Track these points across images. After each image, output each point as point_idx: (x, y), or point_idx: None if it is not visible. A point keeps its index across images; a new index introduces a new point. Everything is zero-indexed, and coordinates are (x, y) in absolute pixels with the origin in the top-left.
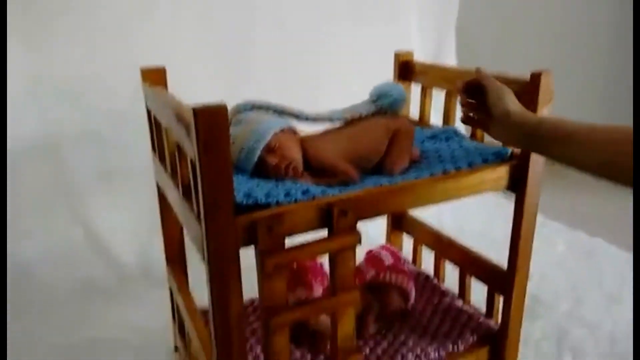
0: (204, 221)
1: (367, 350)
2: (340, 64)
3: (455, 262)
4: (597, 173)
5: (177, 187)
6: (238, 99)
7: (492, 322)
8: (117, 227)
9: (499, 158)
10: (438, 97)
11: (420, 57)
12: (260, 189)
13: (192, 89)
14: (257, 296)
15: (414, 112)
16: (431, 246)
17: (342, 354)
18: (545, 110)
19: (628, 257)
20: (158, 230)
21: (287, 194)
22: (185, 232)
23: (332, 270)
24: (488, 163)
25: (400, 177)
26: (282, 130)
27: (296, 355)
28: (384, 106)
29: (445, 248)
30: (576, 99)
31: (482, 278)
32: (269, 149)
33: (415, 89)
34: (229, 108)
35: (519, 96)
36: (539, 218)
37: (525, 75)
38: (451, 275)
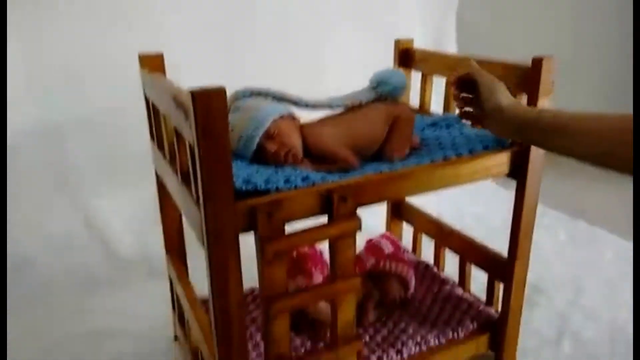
0: (203, 206)
1: (367, 338)
2: (340, 51)
3: (455, 250)
4: (596, 163)
5: (176, 173)
6: (237, 85)
7: (492, 310)
8: (117, 217)
9: (499, 145)
10: (438, 85)
11: (421, 44)
12: (259, 175)
13: (190, 76)
14: (257, 285)
15: (414, 100)
16: (431, 234)
17: (342, 341)
18: (547, 99)
19: (628, 246)
20: (157, 220)
21: (287, 181)
22: (184, 220)
23: (332, 257)
24: (489, 150)
25: (400, 163)
26: (282, 117)
27: (296, 343)
28: (384, 93)
29: (446, 236)
30: (578, 86)
31: (482, 266)
32: (268, 135)
33: (415, 77)
34: (228, 94)
35: (521, 83)
36: (539, 207)
37: (527, 61)
38: (451, 264)
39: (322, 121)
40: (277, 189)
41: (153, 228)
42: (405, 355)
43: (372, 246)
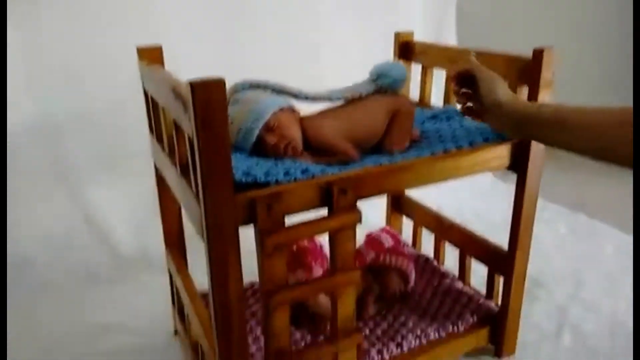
0: (202, 199)
1: (367, 331)
2: (340, 44)
3: (455, 243)
4: (596, 157)
5: (176, 166)
6: (236, 78)
7: (492, 303)
8: (116, 212)
9: (500, 137)
10: (438, 78)
11: (421, 37)
12: (259, 168)
13: (189, 69)
14: (257, 280)
15: (414, 92)
16: (431, 228)
17: (342, 334)
18: (548, 90)
19: (628, 240)
20: (157, 214)
21: (287, 173)
22: (184, 214)
23: (332, 249)
24: (489, 142)
25: (400, 156)
26: (282, 109)
27: (296, 337)
28: (384, 85)
29: (446, 230)
30: (579, 78)
31: (482, 259)
32: (268, 128)
33: (415, 70)
34: (227, 87)
35: (521, 75)
36: (539, 201)
37: (527, 53)
38: (451, 258)
39: (322, 114)
40: (277, 182)
41: (152, 223)
42: (405, 348)
43: (372, 240)
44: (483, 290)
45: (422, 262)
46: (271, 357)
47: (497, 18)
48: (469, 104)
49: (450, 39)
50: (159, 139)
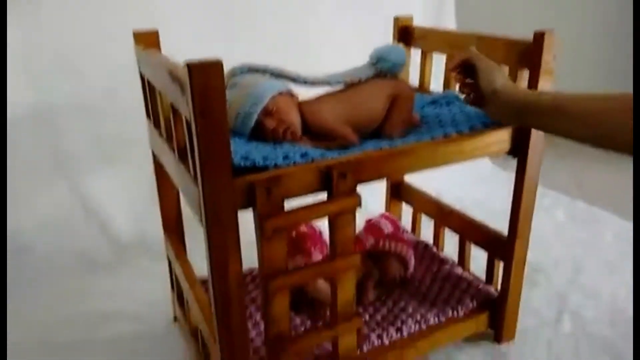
0: (201, 182)
1: (367, 317)
2: (339, 29)
3: (455, 229)
4: (596, 144)
5: (173, 151)
6: (233, 63)
7: (491, 289)
8: (114, 199)
9: (500, 123)
10: (438, 63)
11: (420, 21)
12: (258, 152)
13: (185, 54)
14: (256, 266)
15: (413, 78)
16: (431, 214)
17: (341, 318)
18: (549, 74)
19: (628, 226)
20: (155, 201)
21: (286, 157)
22: (182, 200)
23: (332, 234)
24: (489, 127)
25: (400, 140)
26: (280, 93)
27: (296, 322)
28: (384, 69)
29: (445, 216)
30: (579, 62)
31: (482, 245)
32: (267, 112)
33: (414, 55)
34: (225, 71)
35: (522, 59)
36: (538, 188)
37: (528, 36)
38: (450, 244)
39: (320, 98)
40: (276, 166)
41: (151, 209)
42: (405, 333)
43: (372, 226)
44: (482, 276)
45: (421, 248)
46: (271, 341)
47: (496, 2)
48: (471, 95)
49: (449, 24)
50: (157, 125)
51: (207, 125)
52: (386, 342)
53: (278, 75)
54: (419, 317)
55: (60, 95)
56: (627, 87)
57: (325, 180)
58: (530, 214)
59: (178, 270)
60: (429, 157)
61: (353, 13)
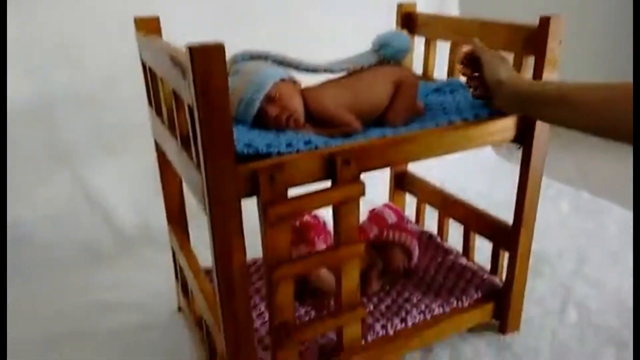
0: (204, 168)
1: (371, 307)
2: (342, 15)
3: (459, 219)
4: (600, 134)
5: (176, 138)
6: (235, 49)
7: (496, 279)
8: (117, 189)
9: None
10: (442, 50)
11: (423, 8)
12: (261, 139)
13: (186, 41)
14: (260, 256)
15: (416, 66)
16: (435, 204)
17: (346, 308)
18: (555, 60)
19: (632, 217)
20: (158, 191)
21: (289, 145)
22: (185, 190)
23: (336, 222)
24: (495, 115)
25: (404, 128)
26: (282, 80)
27: (300, 312)
28: (387, 56)
29: (450, 206)
30: (582, 51)
31: (486, 235)
32: (269, 99)
33: (418, 43)
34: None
35: (527, 45)
36: (543, 179)
37: (534, 21)
38: (454, 235)
39: (323, 85)
40: (279, 153)
41: (154, 199)
42: (409, 323)
43: (375, 216)
44: (487, 267)
45: (425, 239)
46: (275, 330)
47: None
48: (477, 90)
49: (452, 10)
50: (159, 112)
51: (209, 109)
52: (390, 332)
53: (280, 62)
54: (423, 308)
55: (60, 85)
56: (630, 75)
57: (329, 167)
58: (536, 203)
59: (182, 260)
60: (434, 144)
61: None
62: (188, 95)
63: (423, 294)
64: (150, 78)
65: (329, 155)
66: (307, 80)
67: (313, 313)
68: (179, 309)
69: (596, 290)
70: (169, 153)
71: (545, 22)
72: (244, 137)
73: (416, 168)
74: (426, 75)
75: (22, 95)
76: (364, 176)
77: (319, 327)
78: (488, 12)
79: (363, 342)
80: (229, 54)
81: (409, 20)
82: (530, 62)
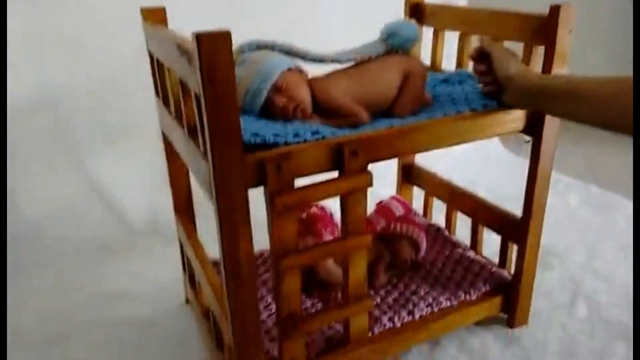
0: (211, 157)
1: (378, 300)
2: (349, 5)
3: (467, 212)
4: (607, 128)
5: (183, 128)
6: (241, 39)
7: (505, 272)
8: (124, 182)
9: None
10: (450, 42)
11: None
12: (268, 129)
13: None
14: (266, 248)
15: (425, 57)
16: (443, 197)
17: (353, 299)
18: (565, 50)
19: None
20: (166, 183)
21: (296, 135)
22: (192, 181)
23: (343, 213)
24: (504, 106)
25: (413, 118)
26: (290, 70)
27: (307, 305)
28: (395, 45)
29: (458, 199)
30: (594, 40)
31: (495, 228)
32: (276, 89)
33: (426, 33)
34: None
35: (536, 34)
36: (552, 173)
37: (544, 9)
38: (462, 229)
39: (331, 75)
40: (286, 143)
41: (161, 192)
42: (417, 316)
43: (383, 208)
44: (495, 260)
45: (433, 232)
46: (282, 321)
47: None
48: (489, 87)
49: (460, 0)
50: (166, 103)
51: (216, 97)
52: (398, 324)
53: (287, 51)
54: (430, 300)
55: (66, 79)
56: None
57: (337, 158)
58: (545, 195)
59: (189, 251)
60: (442, 134)
61: None
62: (195, 84)
63: (430, 286)
64: (157, 68)
65: (337, 146)
66: (314, 70)
67: (320, 305)
68: (187, 300)
69: (606, 284)
70: (176, 144)
71: (555, 10)
72: (251, 127)
73: (424, 161)
74: (434, 66)
75: (28, 88)
76: (371, 169)
77: (326, 318)
78: (497, 1)
79: (370, 334)
80: (235, 43)
81: (417, 10)
82: (540, 52)
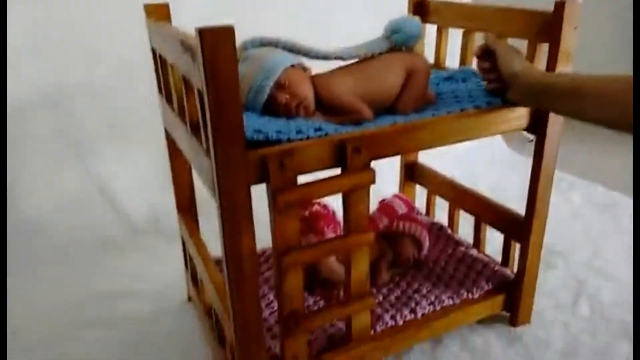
0: (213, 153)
1: (380, 298)
2: (352, 2)
3: (470, 211)
4: (611, 126)
5: (186, 124)
6: (245, 36)
7: (507, 271)
8: (127, 180)
9: None
10: (453, 39)
11: None
12: (271, 126)
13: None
14: (269, 246)
15: (428, 55)
16: (445, 196)
17: (355, 297)
18: (570, 48)
19: None
20: (169, 181)
21: (299, 131)
22: (195, 175)
23: (346, 210)
24: (508, 103)
25: (416, 115)
26: (293, 66)
27: (309, 302)
28: (399, 42)
29: (460, 197)
30: (599, 38)
31: (498, 226)
32: (279, 85)
33: (429, 30)
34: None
35: (541, 31)
36: (555, 172)
37: (548, 7)
38: (465, 227)
39: (334, 72)
40: (289, 140)
41: (164, 190)
42: (419, 314)
43: (385, 206)
44: (498, 258)
45: (436, 230)
46: (284, 318)
47: None
48: (493, 84)
49: None
50: (169, 100)
51: (219, 93)
52: (400, 322)
53: (290, 48)
54: (433, 299)
55: (72, 75)
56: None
57: (339, 155)
58: (548, 193)
59: (192, 249)
60: (446, 132)
61: None
62: (198, 80)
63: (433, 285)
64: (161, 65)
65: (340, 142)
66: (317, 67)
67: (322, 303)
68: (189, 298)
69: (609, 284)
70: (179, 140)
71: (560, 6)
72: (253, 124)
73: (426, 161)
74: (438, 63)
75: (32, 86)
76: (374, 167)
77: (328, 316)
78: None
79: (372, 332)
80: (238, 40)
81: (420, 7)
82: (544, 49)
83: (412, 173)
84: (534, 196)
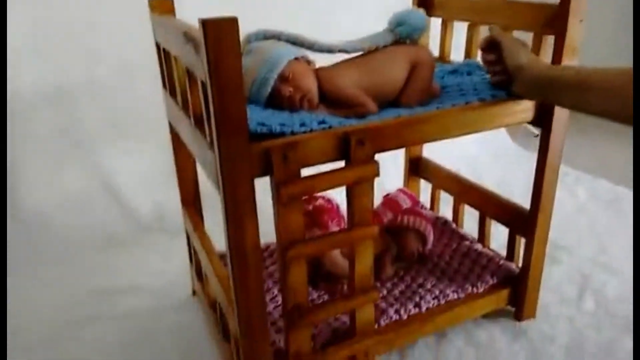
0: (217, 146)
1: (385, 292)
2: None
3: (475, 205)
4: (616, 119)
5: (190, 118)
6: (248, 29)
7: (512, 265)
8: (131, 176)
9: None
10: (458, 32)
11: None
12: (274, 119)
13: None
14: (273, 241)
15: (433, 48)
16: (450, 190)
17: (359, 290)
18: (576, 41)
19: None
20: (173, 176)
21: (303, 124)
22: (199, 170)
23: (350, 203)
24: (513, 96)
25: (421, 108)
26: (296, 59)
27: (313, 296)
28: (403, 35)
29: (465, 191)
30: (605, 31)
31: (503, 220)
32: (283, 78)
33: (434, 23)
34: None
35: (548, 24)
36: (560, 167)
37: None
38: (469, 221)
39: (338, 65)
40: (293, 133)
41: (169, 185)
42: (423, 308)
43: (389, 201)
44: (503, 253)
45: (440, 224)
46: (289, 312)
47: None
48: (497, 77)
49: None
50: (172, 93)
51: (223, 84)
52: (404, 317)
53: (294, 41)
54: (437, 293)
55: (76, 72)
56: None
57: (343, 147)
58: (554, 188)
59: (196, 243)
60: (450, 124)
61: None
62: (201, 72)
63: (437, 279)
64: (164, 58)
65: (343, 135)
66: (321, 60)
67: (326, 297)
68: (193, 292)
69: (614, 279)
70: (182, 134)
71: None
72: (257, 117)
73: (431, 155)
74: (443, 57)
75: (39, 82)
76: (378, 161)
77: (332, 310)
78: None
79: (376, 326)
80: (242, 33)
81: (425, 0)
82: (550, 42)
83: (416, 168)
84: (539, 190)
